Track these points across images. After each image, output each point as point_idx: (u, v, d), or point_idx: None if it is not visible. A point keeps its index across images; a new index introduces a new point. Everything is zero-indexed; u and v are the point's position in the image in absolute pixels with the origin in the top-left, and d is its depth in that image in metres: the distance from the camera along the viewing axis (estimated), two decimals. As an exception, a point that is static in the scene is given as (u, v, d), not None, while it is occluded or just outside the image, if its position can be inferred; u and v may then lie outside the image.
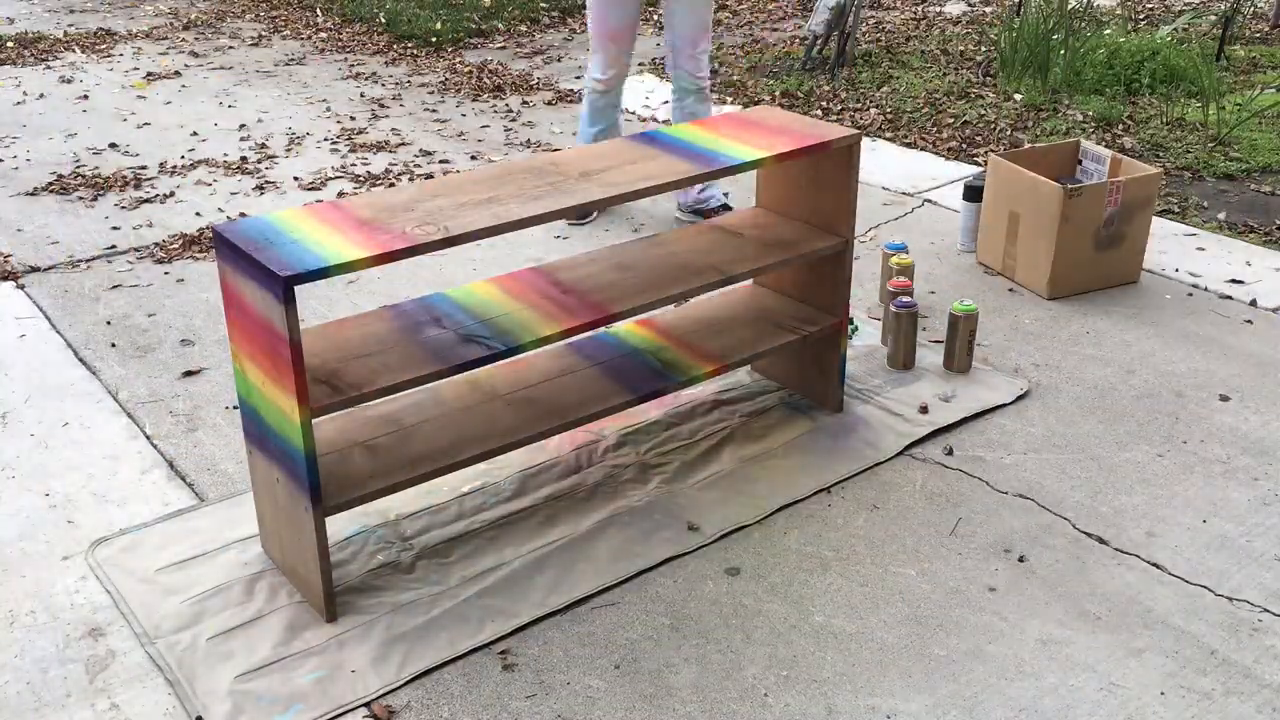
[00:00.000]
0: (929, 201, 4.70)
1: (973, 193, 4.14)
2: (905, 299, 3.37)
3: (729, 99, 6.17)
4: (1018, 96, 5.88)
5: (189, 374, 3.45)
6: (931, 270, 4.05)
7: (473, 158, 5.33)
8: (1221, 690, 2.27)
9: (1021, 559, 2.64)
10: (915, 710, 2.23)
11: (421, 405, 2.73)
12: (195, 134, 5.68)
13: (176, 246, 4.34)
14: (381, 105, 6.16)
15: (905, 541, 2.70)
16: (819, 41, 6.65)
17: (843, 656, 2.36)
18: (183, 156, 5.35)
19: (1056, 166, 4.11)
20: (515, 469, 2.95)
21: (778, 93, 6.17)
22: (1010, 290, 3.90)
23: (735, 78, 6.55)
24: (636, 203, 4.68)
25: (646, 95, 6.29)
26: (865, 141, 5.40)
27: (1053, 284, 3.81)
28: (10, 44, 7.45)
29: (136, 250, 4.33)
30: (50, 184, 5.00)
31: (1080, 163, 4.13)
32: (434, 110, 6.08)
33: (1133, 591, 2.53)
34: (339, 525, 2.74)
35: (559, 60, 7.12)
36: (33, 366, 3.51)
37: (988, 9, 8.12)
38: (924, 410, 3.18)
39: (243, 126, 5.79)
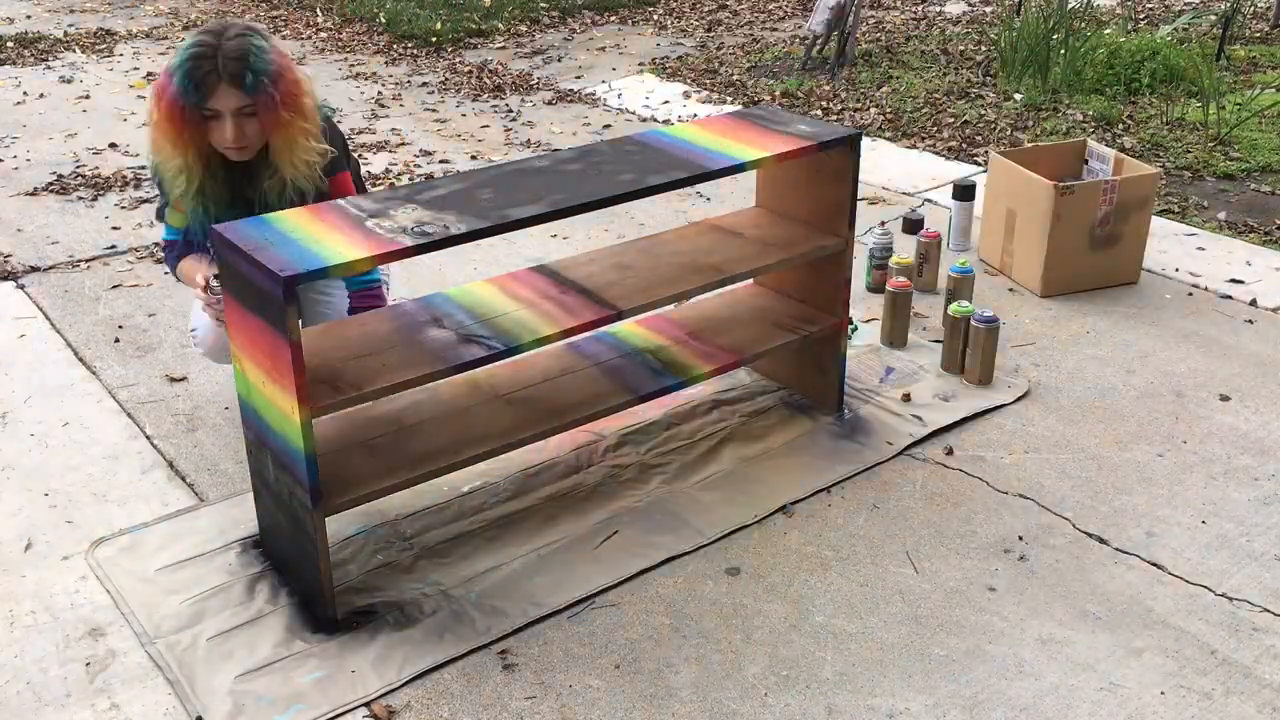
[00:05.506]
0: (929, 201, 4.70)
1: (962, 192, 4.15)
2: (987, 313, 3.25)
3: (729, 99, 6.17)
4: (1018, 96, 5.88)
5: (189, 374, 3.45)
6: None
7: (473, 158, 5.33)
8: (1221, 690, 2.27)
9: (1022, 559, 2.64)
10: (915, 710, 2.23)
11: (421, 405, 2.73)
12: (195, 134, 5.67)
13: (176, 246, 4.34)
14: (381, 105, 6.16)
15: (905, 541, 2.70)
16: (819, 41, 6.65)
17: (843, 656, 2.36)
18: (183, 156, 5.34)
19: (1061, 166, 4.10)
20: (515, 469, 2.95)
21: (778, 93, 6.17)
22: (1011, 290, 3.89)
23: (735, 78, 6.55)
24: (636, 202, 4.68)
25: (646, 95, 6.29)
26: (865, 141, 5.39)
27: (1045, 282, 3.81)
28: (10, 44, 7.45)
29: (136, 250, 4.33)
30: (50, 184, 5.00)
31: (1086, 162, 4.12)
32: (434, 110, 6.08)
33: (1133, 591, 2.53)
34: (339, 525, 2.74)
35: (559, 60, 7.12)
36: (33, 366, 3.51)
37: (988, 9, 8.11)
38: (915, 405, 3.17)
39: (243, 126, 5.78)
